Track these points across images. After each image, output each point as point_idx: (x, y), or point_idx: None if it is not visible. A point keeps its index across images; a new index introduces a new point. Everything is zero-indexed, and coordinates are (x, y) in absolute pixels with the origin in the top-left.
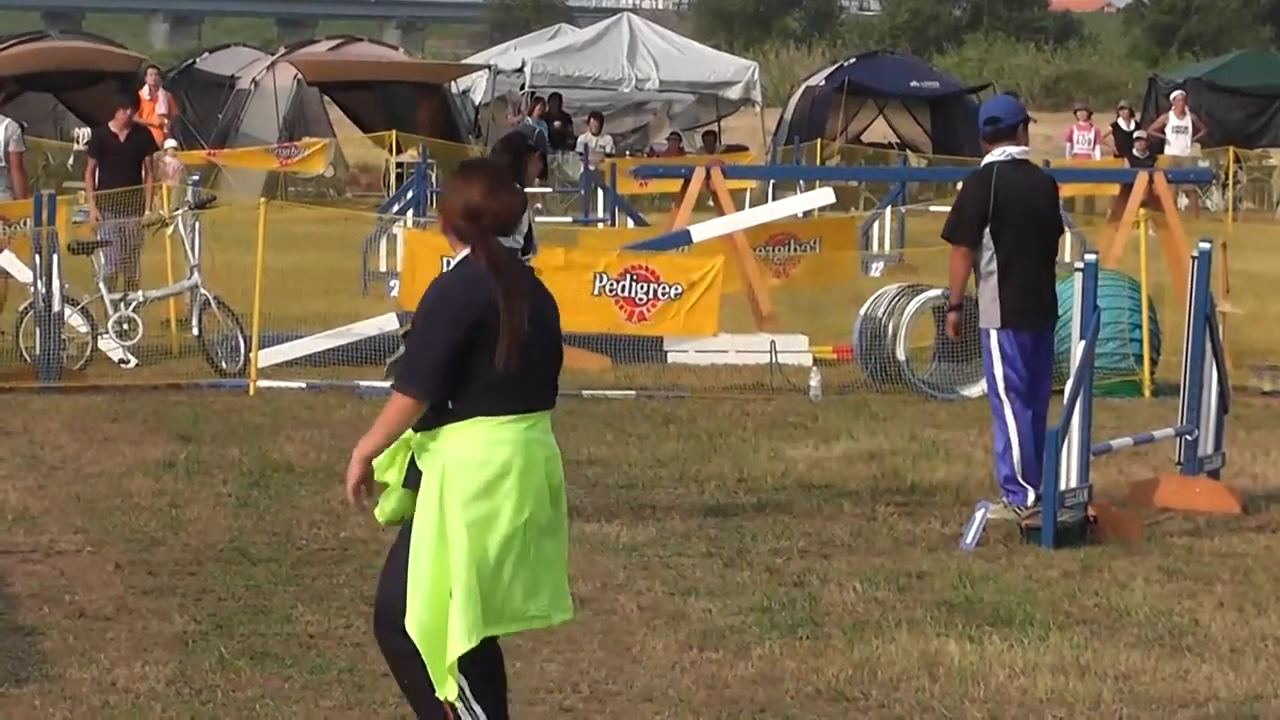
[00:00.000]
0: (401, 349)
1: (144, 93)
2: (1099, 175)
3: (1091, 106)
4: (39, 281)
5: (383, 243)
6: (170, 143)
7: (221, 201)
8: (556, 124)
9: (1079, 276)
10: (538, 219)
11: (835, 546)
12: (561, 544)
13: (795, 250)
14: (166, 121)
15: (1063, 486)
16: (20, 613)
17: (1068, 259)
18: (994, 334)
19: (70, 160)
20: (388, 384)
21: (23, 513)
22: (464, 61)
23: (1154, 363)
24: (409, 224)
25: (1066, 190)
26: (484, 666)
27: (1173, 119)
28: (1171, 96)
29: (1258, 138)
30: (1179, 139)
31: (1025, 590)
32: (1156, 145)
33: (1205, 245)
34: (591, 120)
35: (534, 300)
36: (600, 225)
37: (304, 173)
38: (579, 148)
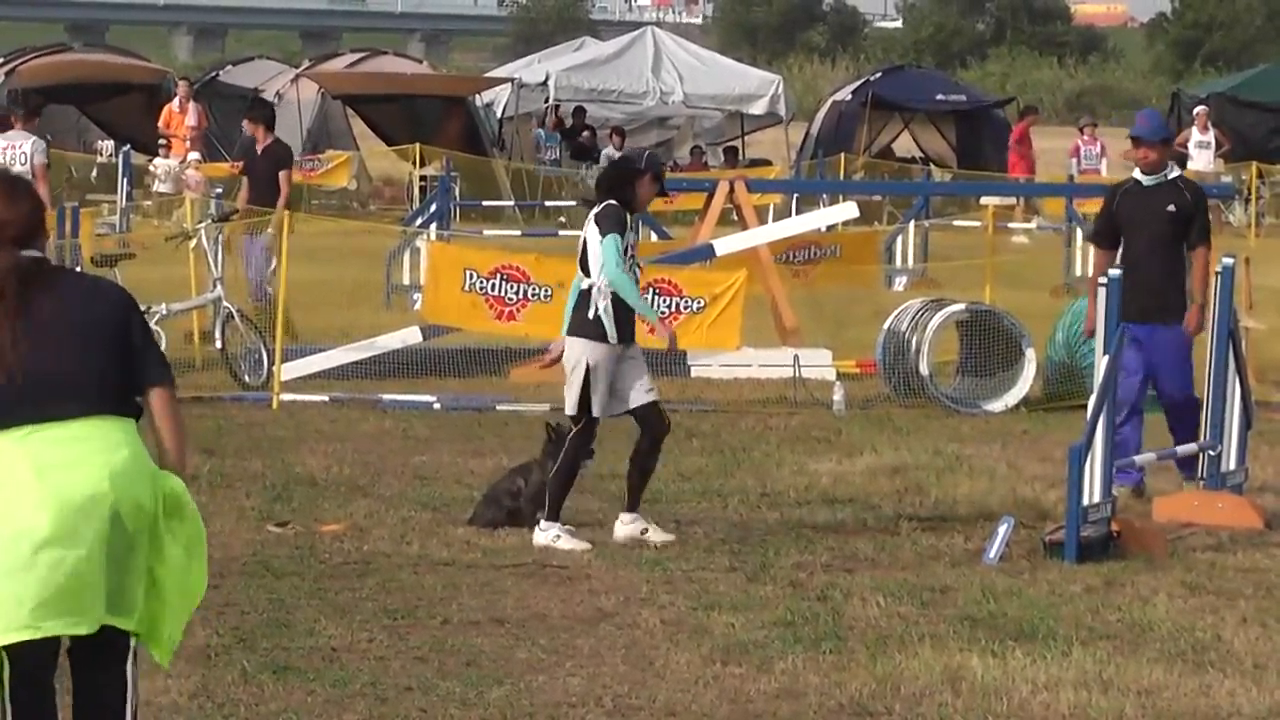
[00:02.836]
0: None
1: (174, 105)
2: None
3: (1116, 121)
4: None
5: (406, 255)
6: (193, 155)
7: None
8: (584, 135)
9: (1102, 292)
10: (561, 232)
11: (858, 561)
12: (123, 558)
13: (816, 255)
14: (194, 134)
15: (1086, 502)
16: None
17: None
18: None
19: (94, 173)
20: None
21: None
22: (488, 75)
23: None
24: (432, 237)
25: (1083, 206)
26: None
27: (1195, 134)
28: (1195, 112)
29: None
30: (1202, 154)
31: (1048, 605)
32: (1180, 160)
33: (1228, 260)
34: (614, 134)
35: (60, 305)
36: None
37: (328, 185)
38: (602, 161)
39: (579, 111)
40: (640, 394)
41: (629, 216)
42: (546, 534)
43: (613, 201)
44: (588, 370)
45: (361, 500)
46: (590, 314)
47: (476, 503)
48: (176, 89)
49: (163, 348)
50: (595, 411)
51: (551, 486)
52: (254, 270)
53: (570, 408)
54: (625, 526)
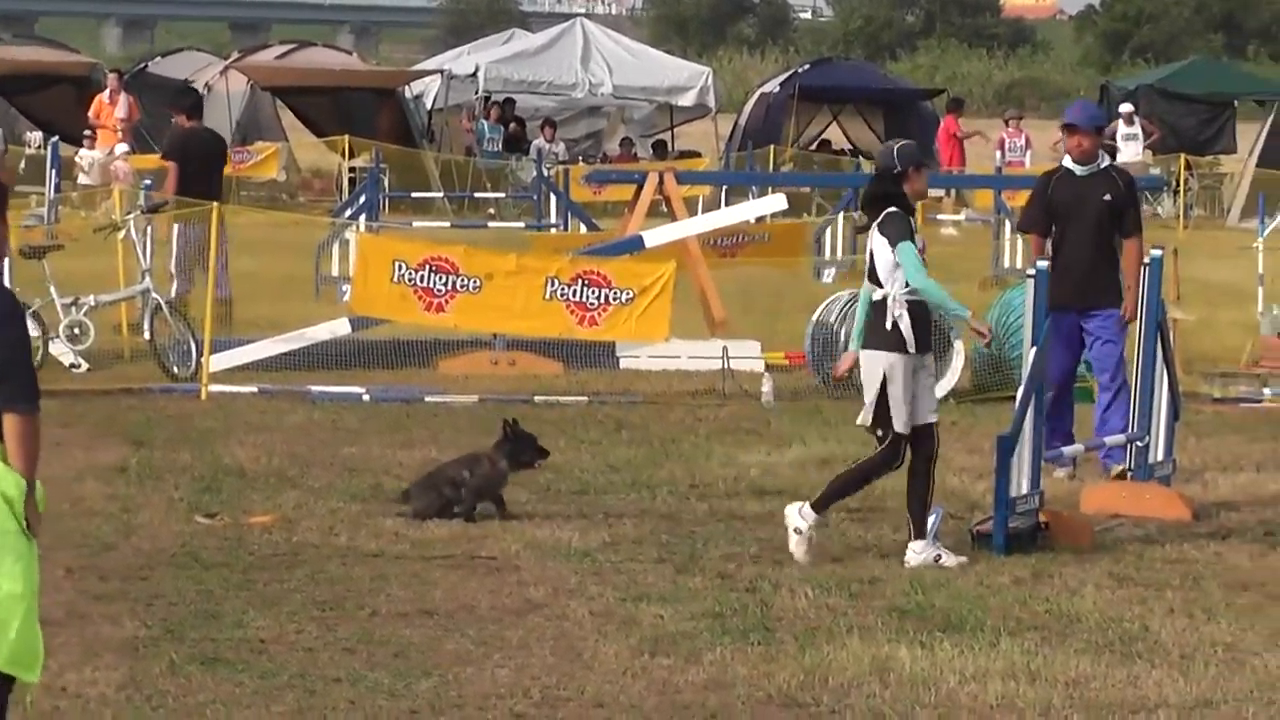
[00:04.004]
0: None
1: (104, 96)
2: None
3: (1045, 113)
4: None
5: (335, 247)
6: (121, 147)
7: (173, 206)
8: (511, 127)
9: (1030, 284)
10: (490, 224)
11: (787, 552)
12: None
13: (743, 240)
14: (124, 125)
15: (1014, 493)
16: None
17: (1019, 265)
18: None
19: (22, 164)
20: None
21: None
22: (417, 67)
23: None
24: (361, 228)
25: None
26: None
27: (1122, 126)
28: (1120, 109)
29: (1209, 145)
30: (1129, 146)
31: (976, 596)
32: (1108, 153)
33: (1156, 252)
34: (545, 126)
35: None
36: (553, 230)
37: (256, 177)
38: (532, 153)
39: (509, 103)
40: (925, 412)
41: (911, 219)
42: (922, 555)
43: (893, 209)
44: (884, 383)
45: (290, 492)
46: (888, 325)
47: (412, 484)
48: (106, 80)
49: (91, 340)
50: (899, 427)
51: (913, 507)
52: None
53: (865, 419)
54: (917, 555)
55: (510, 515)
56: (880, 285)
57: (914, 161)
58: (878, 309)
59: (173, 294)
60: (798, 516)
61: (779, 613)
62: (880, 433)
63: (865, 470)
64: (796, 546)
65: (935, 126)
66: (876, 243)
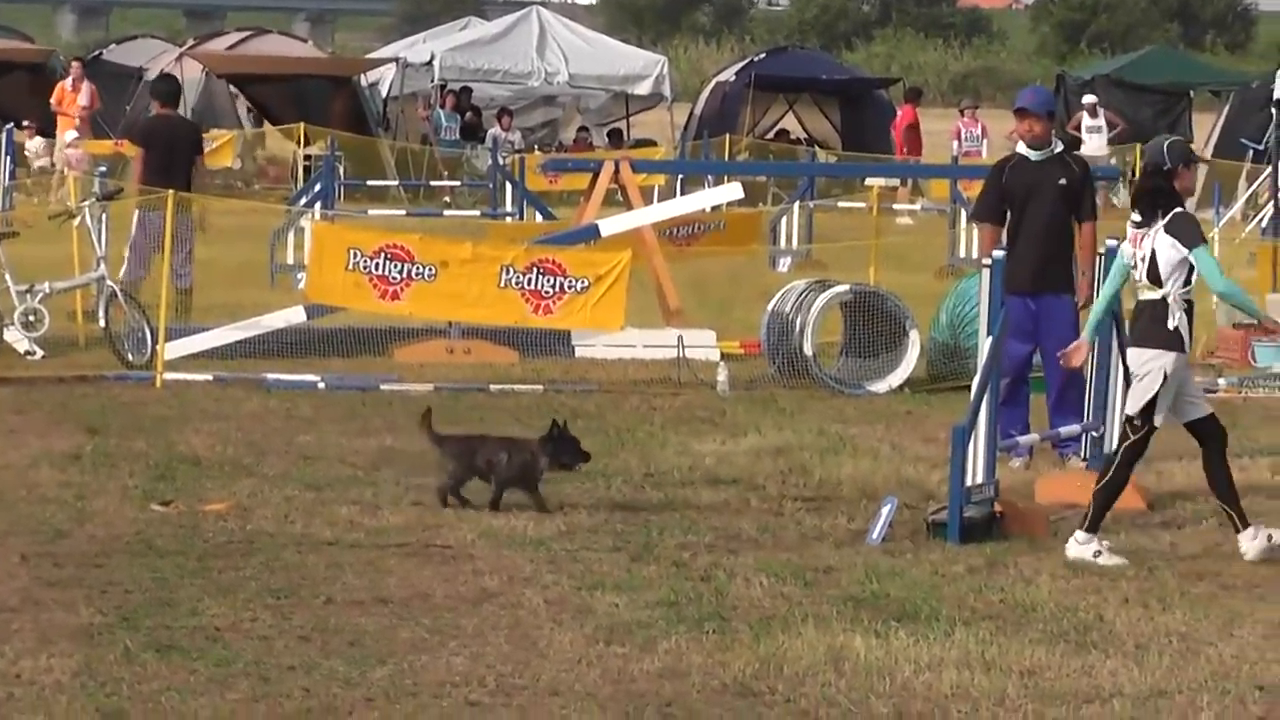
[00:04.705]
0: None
1: (66, 84)
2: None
3: (1001, 103)
4: None
5: (290, 235)
6: (71, 134)
7: (129, 193)
8: (468, 115)
9: (985, 273)
10: (445, 212)
11: (742, 541)
12: None
13: (699, 230)
14: (85, 114)
15: (969, 482)
16: None
17: (975, 255)
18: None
19: None
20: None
21: None
22: (372, 55)
23: None
24: (317, 216)
25: (968, 188)
26: None
27: (1086, 119)
28: (1083, 101)
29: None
30: (1094, 138)
31: (931, 586)
32: (1073, 145)
33: (1113, 242)
34: (501, 114)
35: None
36: (509, 219)
37: (212, 165)
38: (488, 141)
39: (465, 91)
40: (1198, 407)
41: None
42: (1086, 548)
43: (1181, 210)
44: (1165, 379)
45: (245, 479)
46: (1170, 325)
47: (444, 438)
48: (65, 68)
49: (45, 327)
50: (1157, 421)
51: (1099, 498)
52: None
53: (1134, 409)
54: (1251, 543)
55: (546, 509)
56: (1159, 284)
57: (1184, 158)
58: (1155, 308)
59: (121, 274)
60: (1079, 546)
61: (734, 601)
62: (1138, 421)
63: (1122, 471)
64: (1110, 559)
65: (891, 116)
66: (1160, 242)
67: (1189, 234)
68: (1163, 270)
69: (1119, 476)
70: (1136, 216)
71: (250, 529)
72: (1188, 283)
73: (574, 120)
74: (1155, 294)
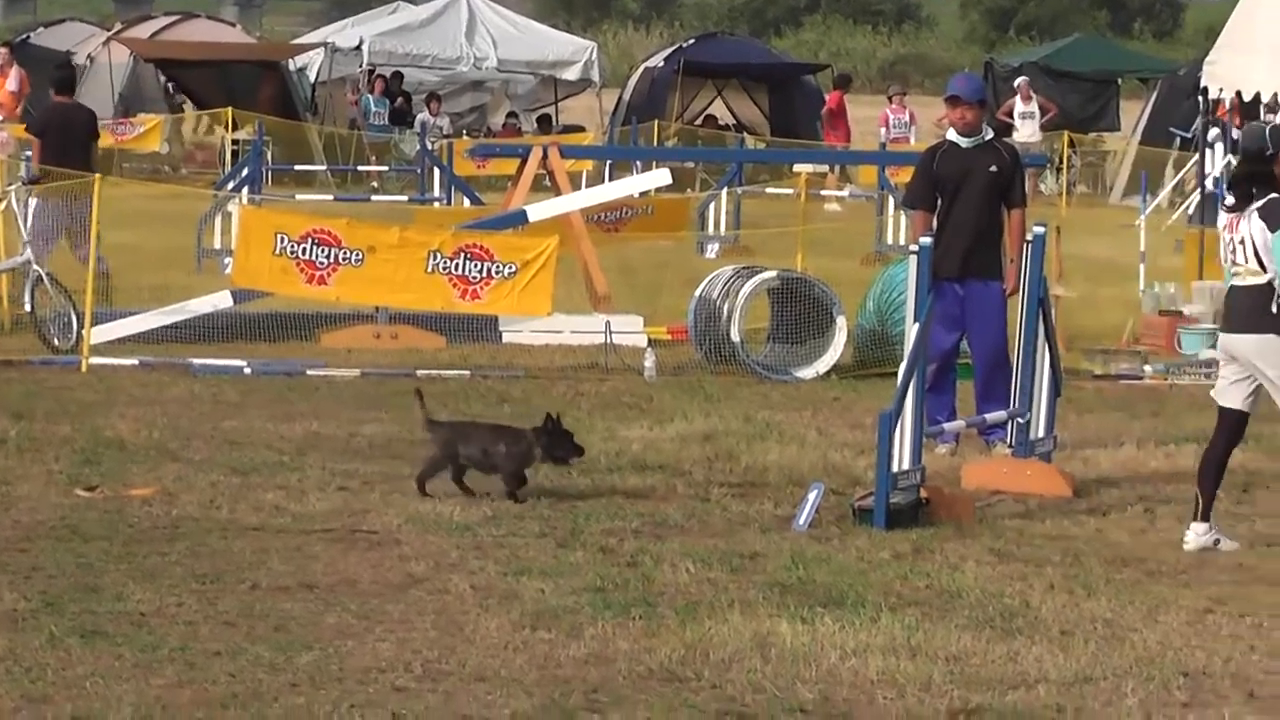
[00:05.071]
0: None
1: None
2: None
3: (930, 89)
4: None
5: (218, 220)
6: None
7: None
8: (398, 101)
9: (913, 260)
10: (373, 197)
11: (669, 527)
12: None
13: (627, 214)
14: (14, 99)
15: (895, 469)
16: None
17: (902, 241)
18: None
19: None
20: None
21: None
22: (301, 39)
23: None
24: (244, 201)
25: (895, 175)
26: None
27: (1019, 105)
28: (1016, 84)
29: (1093, 122)
30: (1026, 125)
31: (857, 572)
32: (1004, 131)
33: (1040, 229)
34: (430, 100)
35: None
36: (436, 204)
37: (139, 149)
38: (416, 126)
39: (396, 76)
40: (1249, 403)
41: None
42: (1203, 538)
43: (1275, 195)
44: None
45: (171, 465)
46: (1274, 309)
47: (439, 424)
48: None
49: None
50: None
51: (1204, 484)
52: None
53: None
54: (1199, 538)
55: (520, 499)
56: (1263, 269)
57: None
58: (1260, 293)
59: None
60: (1197, 537)
61: (660, 587)
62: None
63: (1220, 455)
64: (1229, 543)
65: (820, 102)
66: (1255, 227)
67: (1275, 219)
68: (1264, 255)
69: (1215, 461)
70: (1230, 200)
71: (176, 514)
72: None
73: (502, 105)
74: (1260, 279)
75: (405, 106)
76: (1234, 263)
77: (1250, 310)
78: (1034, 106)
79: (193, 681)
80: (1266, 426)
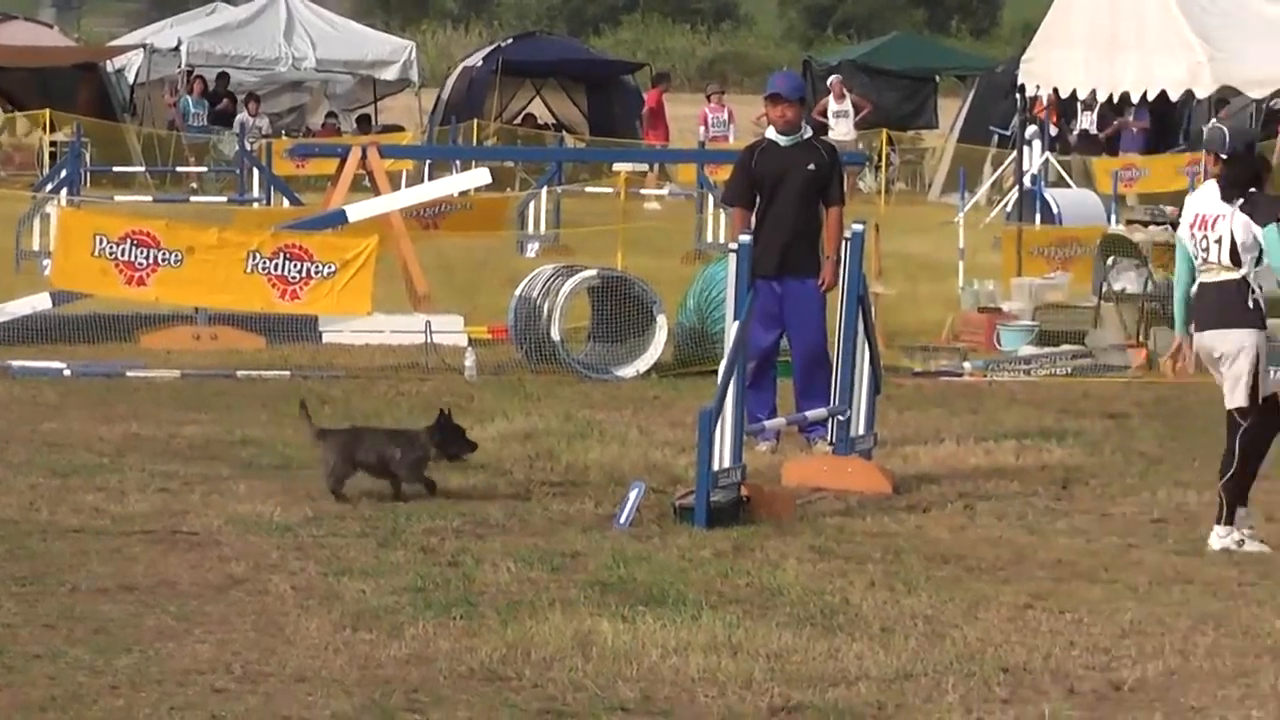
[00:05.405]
0: None
1: None
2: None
3: (748, 88)
4: None
5: (36, 221)
6: None
7: None
8: (224, 103)
9: (732, 258)
10: (193, 198)
11: (490, 526)
12: None
13: (445, 209)
14: None
15: (716, 467)
16: None
17: (722, 239)
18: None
19: None
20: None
21: None
22: (119, 41)
23: None
24: (62, 202)
25: (714, 173)
26: None
27: (832, 104)
28: (829, 82)
29: (911, 120)
30: (841, 123)
31: (678, 570)
32: (820, 129)
33: (858, 227)
34: (249, 100)
35: None
36: (256, 205)
37: None
38: (235, 127)
39: (222, 78)
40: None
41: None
42: (1228, 539)
43: (1254, 190)
44: (1256, 358)
45: None
46: (1249, 303)
47: (329, 435)
48: None
49: None
50: (1263, 395)
51: (1228, 493)
52: None
53: (1242, 399)
54: (1222, 540)
55: (434, 493)
56: (1238, 265)
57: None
58: (1234, 288)
59: None
60: (1221, 540)
61: (481, 587)
62: (1245, 407)
63: (1244, 463)
64: (1254, 546)
65: (638, 101)
66: (1237, 221)
67: (1262, 214)
68: (1241, 250)
69: (1242, 468)
70: (1214, 199)
71: None
72: (1259, 261)
73: (321, 105)
74: (1234, 274)
75: (231, 107)
76: (1205, 261)
77: (1223, 306)
78: (848, 105)
79: (11, 685)
80: (1086, 422)
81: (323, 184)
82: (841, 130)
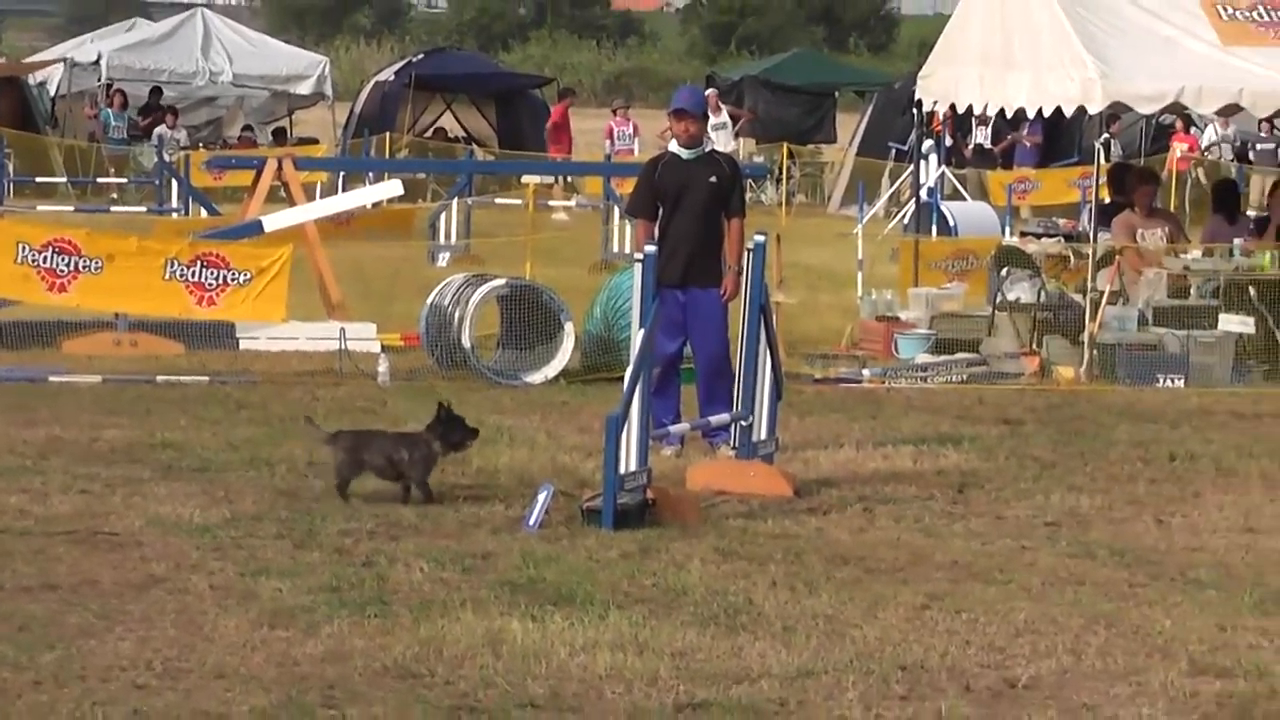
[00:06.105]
0: None
1: None
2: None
3: (652, 102)
4: None
5: None
6: None
7: None
8: (155, 115)
9: (637, 268)
10: (114, 208)
11: (403, 528)
12: None
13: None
14: None
15: (623, 470)
16: None
17: (628, 250)
18: None
19: None
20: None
21: None
22: (40, 55)
23: None
24: None
25: (620, 185)
26: None
27: (710, 117)
28: (706, 94)
29: (811, 134)
30: (720, 135)
31: (586, 570)
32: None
33: (760, 238)
34: (168, 113)
35: None
36: (174, 215)
37: None
38: (154, 139)
39: (155, 92)
40: None
41: None
42: None
43: None
44: None
45: None
46: None
47: (337, 442)
48: None
49: None
50: None
51: None
52: None
53: None
54: None
55: (422, 500)
56: None
57: None
58: None
59: None
60: None
61: (394, 586)
62: None
63: None
64: None
65: (546, 114)
66: None
67: None
68: None
69: None
70: None
71: None
72: None
73: (238, 118)
74: None
75: (162, 119)
76: None
77: None
78: (724, 117)
79: None
80: (981, 428)
81: (239, 195)
82: (721, 142)
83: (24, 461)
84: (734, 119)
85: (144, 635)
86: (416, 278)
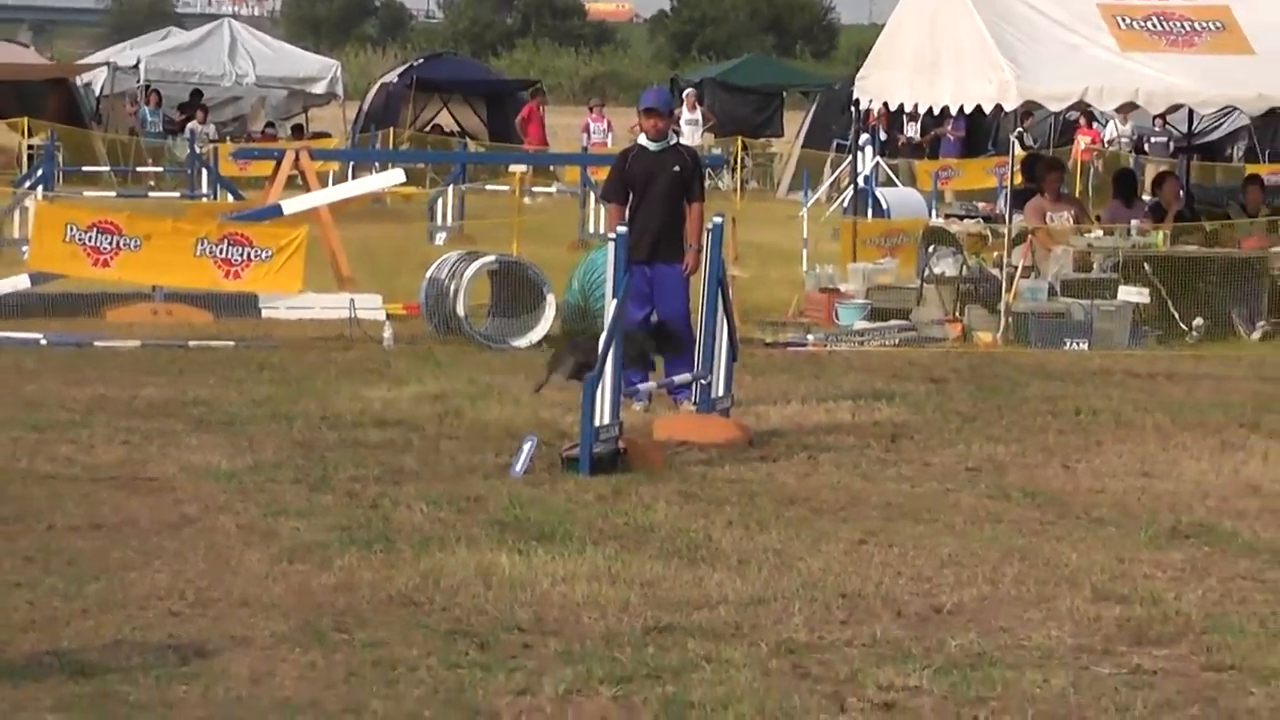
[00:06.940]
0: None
1: None
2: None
3: (623, 101)
4: None
5: (16, 214)
6: None
7: None
8: (198, 114)
9: (611, 246)
10: (150, 194)
11: (405, 474)
12: None
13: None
14: None
15: (597, 423)
16: None
17: (602, 230)
18: None
19: None
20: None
21: None
22: (86, 60)
23: None
24: (39, 197)
25: (596, 174)
26: None
27: (685, 113)
28: (684, 94)
29: (762, 129)
30: (691, 130)
31: (565, 511)
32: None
33: (718, 220)
34: (199, 111)
35: None
36: (204, 199)
37: None
38: (186, 134)
39: (196, 94)
40: None
41: None
42: None
43: None
44: None
45: None
46: None
47: (557, 354)
48: None
49: None
50: None
51: None
52: None
53: None
54: None
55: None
56: None
57: None
58: None
59: None
60: None
61: (398, 525)
62: None
63: None
64: None
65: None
66: None
67: None
68: None
69: None
70: None
71: None
72: None
73: (260, 115)
74: None
75: (203, 118)
76: None
77: None
78: (698, 115)
79: None
80: (911, 385)
81: (262, 182)
82: (692, 137)
83: (73, 416)
84: (705, 119)
85: (178, 568)
86: (417, 255)
